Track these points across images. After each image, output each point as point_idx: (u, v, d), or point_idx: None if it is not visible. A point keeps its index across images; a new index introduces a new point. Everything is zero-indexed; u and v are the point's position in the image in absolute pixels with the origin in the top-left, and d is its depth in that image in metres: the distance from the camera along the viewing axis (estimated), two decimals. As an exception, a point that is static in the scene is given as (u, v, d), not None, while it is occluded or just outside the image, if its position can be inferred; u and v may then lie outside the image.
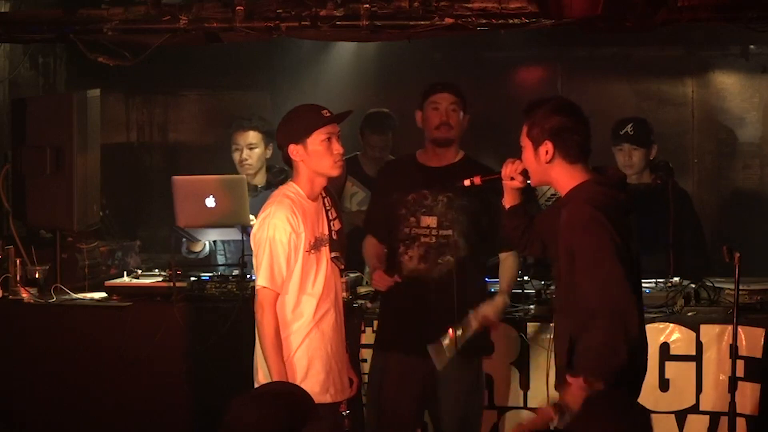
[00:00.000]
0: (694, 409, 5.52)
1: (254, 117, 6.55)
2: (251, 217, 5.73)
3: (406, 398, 5.28)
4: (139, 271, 6.35)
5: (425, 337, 5.09)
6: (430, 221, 5.27)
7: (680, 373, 5.54)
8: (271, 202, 4.72)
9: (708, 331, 5.54)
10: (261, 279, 4.64)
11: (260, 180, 6.45)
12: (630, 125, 6.17)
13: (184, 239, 6.27)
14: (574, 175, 4.21)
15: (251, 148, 6.44)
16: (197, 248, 6.34)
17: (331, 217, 4.83)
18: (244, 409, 3.09)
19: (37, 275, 6.15)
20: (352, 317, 5.55)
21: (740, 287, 5.10)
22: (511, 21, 5.87)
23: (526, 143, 4.26)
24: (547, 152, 4.19)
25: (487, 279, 5.94)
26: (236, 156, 6.49)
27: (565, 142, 4.19)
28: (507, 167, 4.39)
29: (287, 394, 3.24)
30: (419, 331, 5.16)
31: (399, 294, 5.26)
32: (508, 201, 4.50)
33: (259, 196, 6.14)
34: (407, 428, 5.35)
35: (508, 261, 5.35)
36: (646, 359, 4.31)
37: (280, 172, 6.34)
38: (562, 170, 4.21)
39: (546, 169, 4.23)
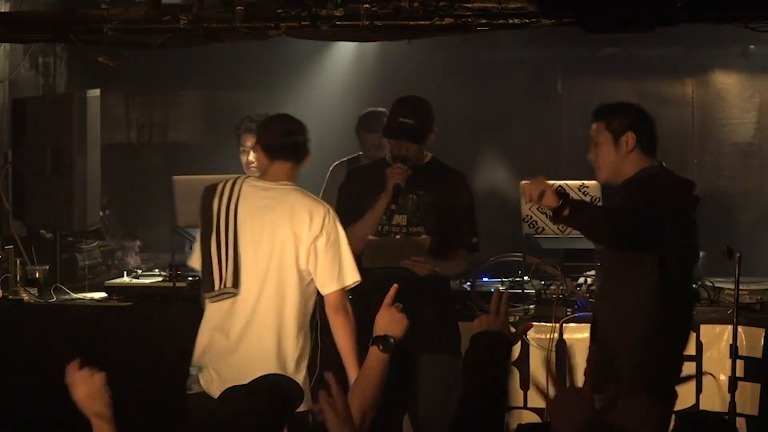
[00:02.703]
0: (694, 409, 5.51)
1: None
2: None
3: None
4: (139, 271, 6.35)
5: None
6: (401, 219, 5.27)
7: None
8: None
9: (708, 331, 5.54)
10: (349, 277, 4.83)
11: None
12: None
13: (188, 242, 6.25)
14: (646, 162, 4.49)
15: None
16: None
17: None
18: (236, 401, 3.09)
19: (37, 275, 6.15)
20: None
21: (740, 287, 5.11)
22: (511, 21, 5.86)
23: (604, 137, 4.48)
24: (627, 143, 4.44)
25: (485, 278, 5.94)
26: (243, 158, 6.38)
27: (644, 132, 4.50)
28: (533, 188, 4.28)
29: (280, 387, 3.25)
30: None
31: (369, 292, 5.27)
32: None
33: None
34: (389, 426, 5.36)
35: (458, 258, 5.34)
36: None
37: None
38: (637, 158, 4.48)
39: (624, 160, 4.46)
